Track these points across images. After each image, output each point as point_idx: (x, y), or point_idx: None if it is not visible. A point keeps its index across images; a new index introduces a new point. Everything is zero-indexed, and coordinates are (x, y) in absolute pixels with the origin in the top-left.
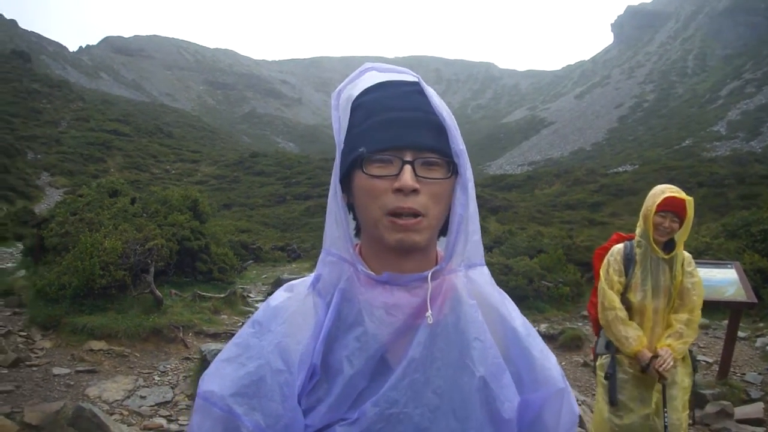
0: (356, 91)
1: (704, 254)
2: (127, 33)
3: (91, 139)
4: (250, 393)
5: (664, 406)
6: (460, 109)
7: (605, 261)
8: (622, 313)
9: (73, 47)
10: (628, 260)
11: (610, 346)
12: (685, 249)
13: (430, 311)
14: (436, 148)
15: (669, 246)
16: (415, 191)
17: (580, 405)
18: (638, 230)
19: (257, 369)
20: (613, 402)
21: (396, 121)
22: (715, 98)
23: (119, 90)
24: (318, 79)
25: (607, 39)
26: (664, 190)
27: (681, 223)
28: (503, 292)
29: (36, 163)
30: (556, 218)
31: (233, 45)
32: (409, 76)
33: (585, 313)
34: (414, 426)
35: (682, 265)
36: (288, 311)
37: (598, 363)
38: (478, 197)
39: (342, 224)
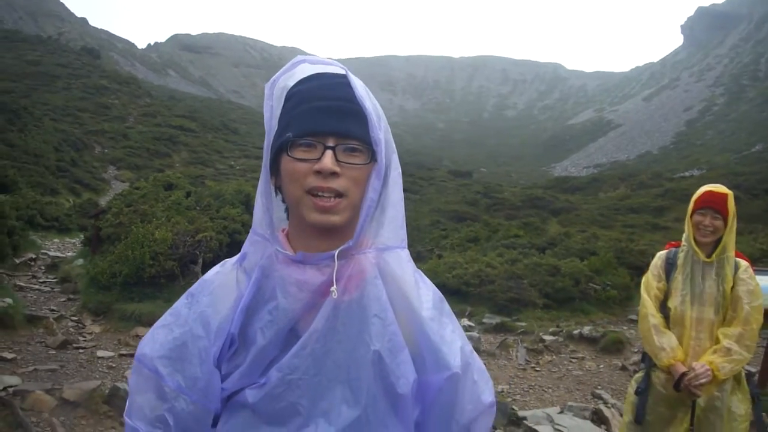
0: (291, 82)
1: (759, 262)
2: (194, 31)
3: (157, 135)
4: (174, 356)
5: (691, 424)
6: (526, 110)
7: (648, 269)
8: (657, 321)
9: (141, 45)
10: (670, 265)
11: (646, 359)
12: (738, 255)
13: (335, 286)
14: (358, 136)
15: (715, 249)
16: (334, 174)
17: (609, 408)
18: (684, 234)
19: (181, 335)
20: (638, 420)
21: (321, 109)
22: None
23: (186, 87)
24: (383, 78)
25: (676, 40)
26: (705, 187)
27: (725, 222)
28: (422, 275)
29: (103, 157)
30: (619, 222)
31: (299, 43)
32: (338, 69)
33: (631, 317)
34: (311, 392)
35: (736, 272)
36: (214, 284)
37: (633, 378)
38: (539, 199)
39: (268, 206)
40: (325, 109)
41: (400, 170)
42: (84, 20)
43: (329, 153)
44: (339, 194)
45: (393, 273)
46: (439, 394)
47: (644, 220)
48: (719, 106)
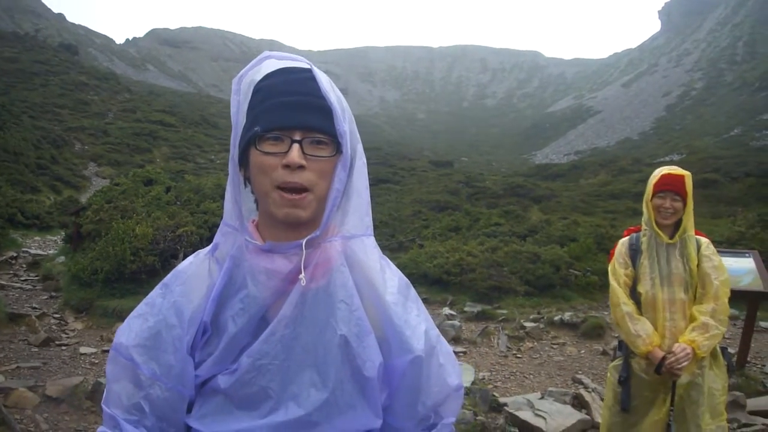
0: (258, 77)
1: (737, 244)
2: (173, 25)
3: (137, 130)
4: (149, 345)
5: (672, 404)
6: (505, 99)
7: (613, 257)
8: (630, 308)
9: (120, 40)
10: (634, 251)
11: (622, 347)
12: (717, 237)
13: (303, 274)
14: (323, 129)
15: (677, 230)
16: (301, 167)
17: (590, 392)
18: (643, 218)
19: (155, 324)
20: (624, 409)
21: (288, 104)
22: (765, 86)
23: (165, 81)
24: (363, 69)
25: (654, 26)
26: (661, 170)
27: (684, 202)
28: (389, 261)
29: (83, 154)
30: (600, 208)
31: (278, 36)
32: (303, 64)
33: None
34: (281, 376)
35: (699, 250)
36: (186, 274)
37: (611, 365)
38: (520, 187)
39: (236, 198)
40: (292, 104)
41: (365, 160)
42: (61, 16)
43: (296, 146)
44: (305, 188)
45: (359, 260)
46: (403, 377)
47: (625, 206)
48: (698, 91)
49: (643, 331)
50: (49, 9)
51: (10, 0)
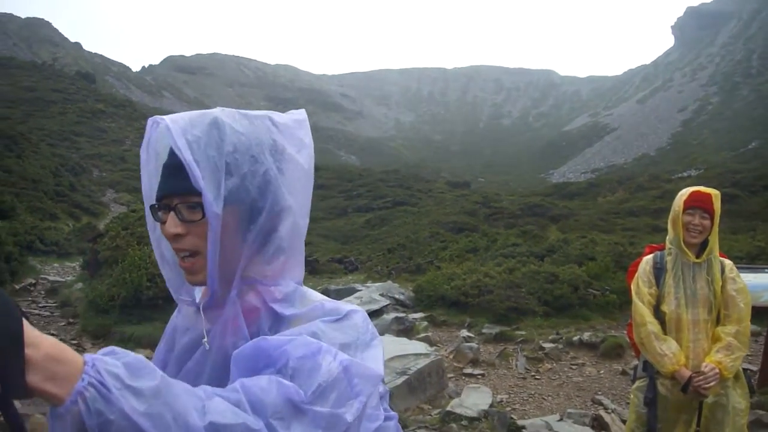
0: (155, 144)
1: (757, 259)
2: (188, 52)
3: None
4: None
5: (698, 425)
6: (521, 118)
7: (636, 275)
8: (656, 327)
9: (136, 67)
10: (659, 269)
11: (647, 367)
12: (737, 253)
13: (206, 338)
14: (195, 191)
15: (702, 251)
16: (178, 235)
17: (609, 414)
18: (668, 237)
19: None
20: (652, 430)
21: (167, 167)
22: None
23: (182, 108)
24: (378, 92)
25: (667, 41)
26: (690, 188)
27: (712, 221)
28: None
29: (101, 181)
30: (618, 226)
31: (293, 60)
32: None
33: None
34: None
35: (723, 271)
36: (170, 328)
37: (634, 386)
38: (538, 206)
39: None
40: (169, 168)
41: (277, 202)
42: (78, 45)
43: (171, 215)
44: (197, 252)
45: (281, 314)
46: None
47: (644, 223)
48: (713, 105)
49: (669, 350)
50: (66, 38)
51: (28, 30)
